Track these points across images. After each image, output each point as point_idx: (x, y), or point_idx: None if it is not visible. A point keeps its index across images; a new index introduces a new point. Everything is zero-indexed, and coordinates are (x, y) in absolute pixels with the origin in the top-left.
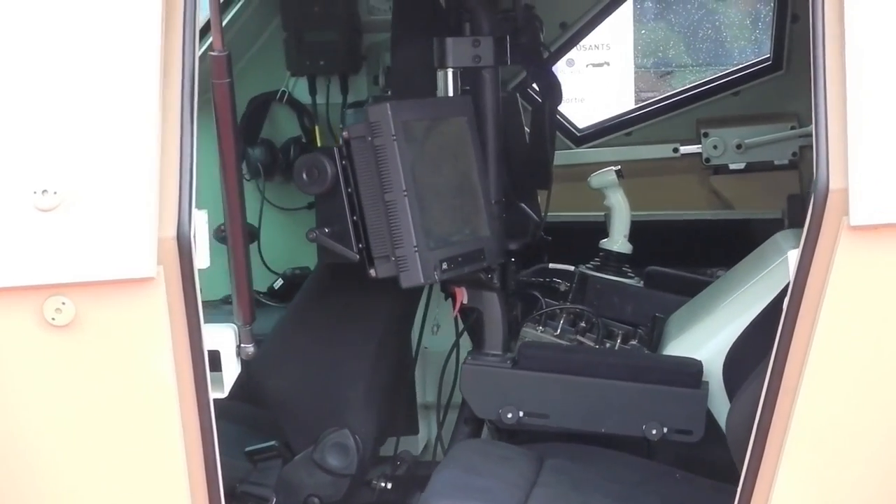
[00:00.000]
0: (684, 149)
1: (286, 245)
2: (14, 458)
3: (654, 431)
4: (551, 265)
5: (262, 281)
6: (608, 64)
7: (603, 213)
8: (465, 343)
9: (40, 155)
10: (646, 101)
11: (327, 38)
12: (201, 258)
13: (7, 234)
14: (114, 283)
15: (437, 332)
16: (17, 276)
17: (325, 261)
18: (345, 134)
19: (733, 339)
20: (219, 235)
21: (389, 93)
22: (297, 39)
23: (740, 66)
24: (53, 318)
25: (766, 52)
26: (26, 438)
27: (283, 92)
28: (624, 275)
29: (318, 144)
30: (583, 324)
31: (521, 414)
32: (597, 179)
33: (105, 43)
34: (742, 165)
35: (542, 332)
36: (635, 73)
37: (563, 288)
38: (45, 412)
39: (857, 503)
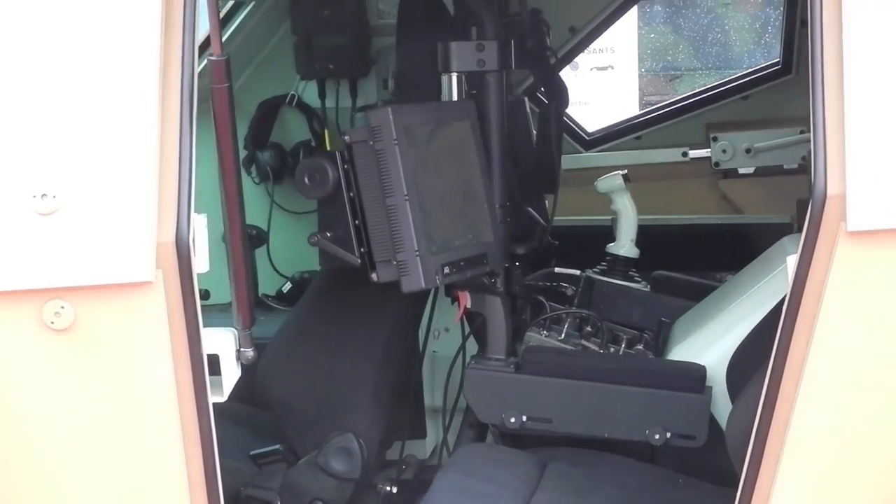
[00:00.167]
0: (693, 153)
1: (295, 248)
2: (13, 462)
3: (657, 436)
4: (557, 269)
5: (270, 284)
6: (612, 67)
7: (610, 218)
8: (473, 347)
9: (40, 159)
10: (649, 104)
11: (336, 42)
12: (201, 262)
13: (6, 238)
14: (113, 287)
15: (438, 336)
16: (17, 280)
17: (327, 265)
18: (347, 138)
19: (737, 344)
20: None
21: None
22: (307, 43)
23: (749, 70)
24: (52, 322)
25: (767, 56)
26: (26, 442)
27: (293, 95)
28: (631, 279)
29: (328, 148)
30: (588, 328)
31: (524, 418)
32: (603, 183)
33: (104, 47)
34: (751, 170)
35: (546, 336)
36: (639, 76)
37: (569, 292)
38: (44, 415)
39: None
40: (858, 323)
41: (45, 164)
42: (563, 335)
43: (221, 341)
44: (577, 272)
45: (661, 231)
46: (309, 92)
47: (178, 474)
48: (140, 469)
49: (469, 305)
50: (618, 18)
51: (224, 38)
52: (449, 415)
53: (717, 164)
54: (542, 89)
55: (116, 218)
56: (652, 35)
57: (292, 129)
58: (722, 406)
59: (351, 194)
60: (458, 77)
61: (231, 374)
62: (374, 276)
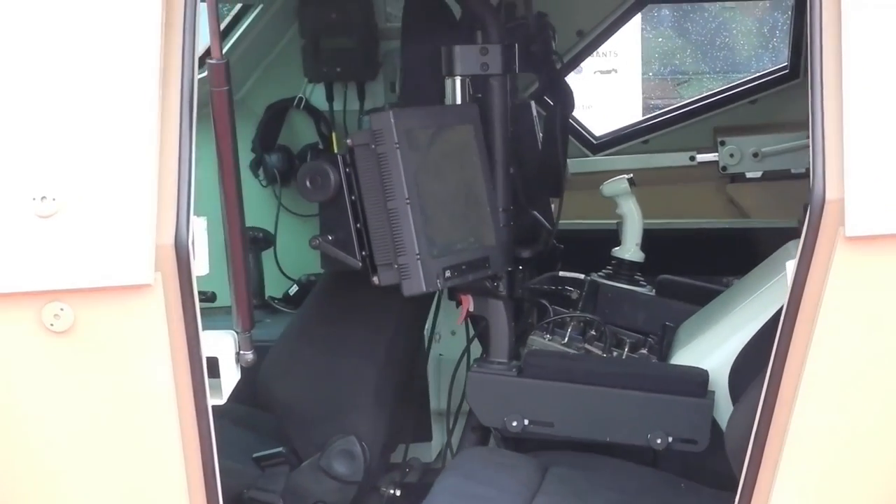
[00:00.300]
0: (701, 157)
1: (302, 251)
2: (13, 463)
3: (658, 440)
4: (561, 273)
5: (277, 287)
6: (616, 71)
7: (616, 221)
8: (479, 350)
9: (39, 162)
10: (654, 108)
11: (344, 45)
12: (200, 265)
13: (6, 240)
14: (112, 289)
15: (440, 339)
16: (16, 282)
17: (328, 268)
18: (349, 141)
19: (740, 348)
20: None
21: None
22: (315, 46)
23: (757, 74)
24: (52, 324)
25: (775, 60)
26: (25, 443)
27: (301, 98)
28: (636, 283)
29: (335, 151)
30: (593, 332)
31: (526, 422)
32: (609, 187)
33: (104, 50)
34: (759, 174)
35: (549, 340)
36: (643, 80)
37: (574, 296)
38: (43, 417)
39: None
40: (857, 327)
41: (46, 166)
42: (566, 339)
43: (221, 344)
44: (582, 276)
45: (667, 235)
46: (317, 95)
47: (178, 476)
48: (139, 471)
49: (472, 309)
50: (625, 22)
51: (232, 41)
52: (453, 418)
53: (724, 168)
54: (548, 93)
55: (116, 220)
56: (660, 39)
57: (300, 132)
58: (724, 410)
59: (352, 197)
60: (461, 81)
61: (230, 376)
62: (375, 279)
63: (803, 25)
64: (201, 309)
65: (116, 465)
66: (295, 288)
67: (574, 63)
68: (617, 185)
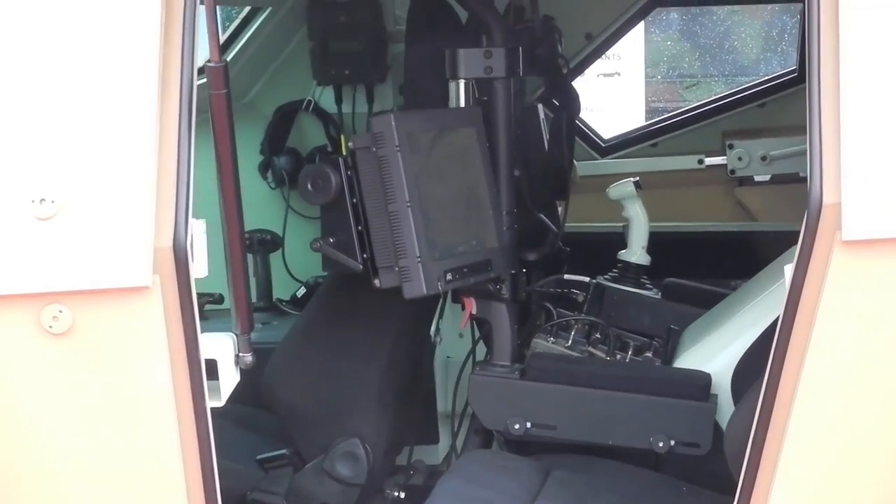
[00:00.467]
0: (709, 160)
1: (310, 253)
2: (11, 466)
3: (661, 444)
4: (567, 276)
5: (285, 289)
6: (619, 74)
7: (622, 224)
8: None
9: (39, 164)
10: (656, 111)
11: (353, 48)
12: (199, 268)
13: (5, 242)
14: (110, 291)
15: (440, 341)
16: (15, 284)
17: (329, 271)
18: (350, 144)
19: (743, 352)
20: None
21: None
22: (323, 49)
23: (765, 77)
24: (51, 326)
25: (783, 63)
26: (24, 445)
27: (310, 101)
28: (642, 286)
29: (344, 154)
30: (597, 335)
31: (528, 425)
32: (615, 191)
33: (104, 52)
34: (767, 177)
35: (553, 343)
36: (646, 83)
37: (580, 299)
38: (42, 419)
39: None
40: (854, 330)
41: (45, 168)
42: (569, 342)
43: (220, 346)
44: (587, 279)
45: (674, 238)
46: (325, 97)
47: (176, 478)
48: (138, 473)
49: (475, 311)
50: (634, 25)
51: (241, 44)
52: (458, 420)
53: (732, 171)
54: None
55: (114, 223)
56: (668, 42)
57: (309, 135)
58: (727, 414)
59: (354, 200)
60: (465, 84)
61: (229, 378)
62: (376, 281)
63: None
64: (209, 310)
65: (115, 467)
66: (302, 290)
67: (583, 66)
68: (623, 189)
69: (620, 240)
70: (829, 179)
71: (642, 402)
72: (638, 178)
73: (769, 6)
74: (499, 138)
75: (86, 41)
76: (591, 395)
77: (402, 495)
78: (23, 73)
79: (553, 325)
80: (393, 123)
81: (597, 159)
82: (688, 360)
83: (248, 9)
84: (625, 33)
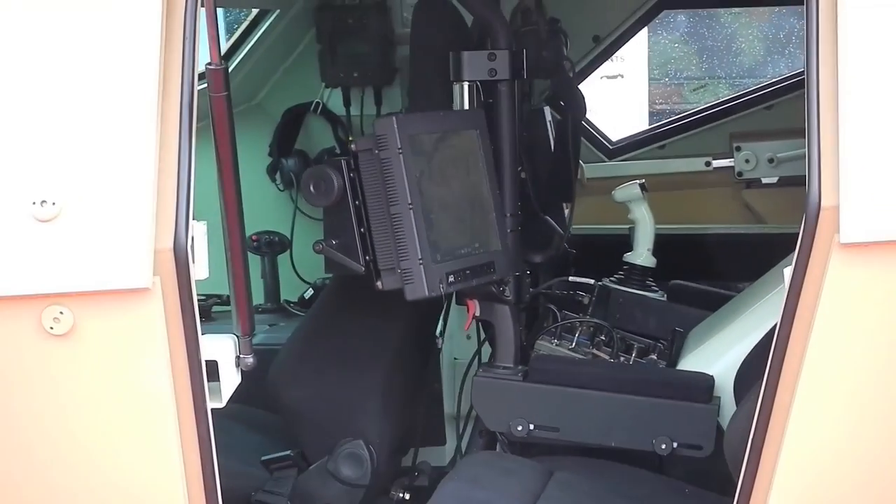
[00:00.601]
0: (717, 163)
1: (318, 255)
2: (11, 466)
3: (663, 446)
4: (571, 278)
5: (293, 290)
6: (622, 76)
7: (628, 227)
8: None
9: (39, 166)
10: (660, 113)
11: (361, 50)
12: (200, 269)
13: (6, 244)
14: (111, 293)
15: (442, 344)
16: (16, 285)
17: (332, 273)
18: (352, 146)
19: (745, 354)
20: (250, 246)
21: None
22: (332, 51)
23: (773, 79)
24: (52, 327)
25: (786, 66)
26: (24, 446)
27: (318, 103)
28: (647, 288)
29: None
30: (602, 337)
31: (531, 427)
32: (621, 193)
33: (104, 55)
34: (775, 179)
35: (556, 345)
36: (649, 85)
37: (586, 301)
38: (42, 420)
39: None
40: (852, 333)
41: (45, 170)
42: (573, 344)
43: (221, 348)
44: (591, 281)
45: (680, 240)
46: (334, 99)
47: (177, 479)
48: (138, 474)
49: (478, 313)
50: (642, 28)
51: (249, 46)
52: (464, 422)
53: (740, 173)
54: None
55: (115, 224)
56: (676, 45)
57: (317, 137)
58: (730, 417)
59: (356, 202)
60: (469, 86)
61: (230, 380)
62: (378, 283)
63: None
64: (217, 312)
65: (116, 468)
66: (310, 292)
67: (590, 69)
68: (629, 191)
69: (627, 242)
70: (827, 182)
71: (645, 404)
72: (644, 181)
73: (776, 8)
74: (503, 140)
75: (87, 43)
76: (594, 397)
77: (408, 496)
78: (24, 75)
79: (557, 326)
80: (395, 126)
81: (604, 161)
82: (691, 362)
83: (256, 11)
84: (632, 36)
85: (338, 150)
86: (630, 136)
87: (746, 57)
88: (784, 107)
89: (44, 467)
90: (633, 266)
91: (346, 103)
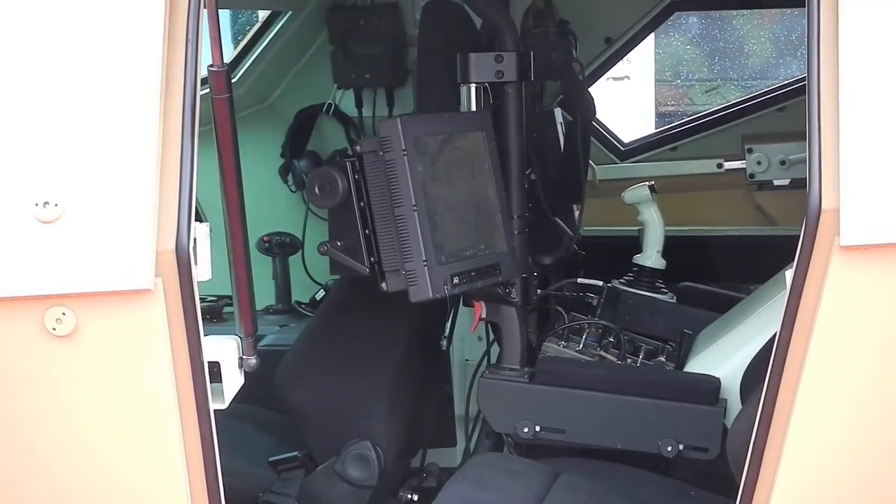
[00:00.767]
0: (728, 164)
1: None
2: (13, 467)
3: (669, 448)
4: (580, 280)
5: (304, 291)
6: (628, 78)
7: (638, 228)
8: None
9: (42, 167)
10: (667, 115)
11: (373, 52)
12: (202, 271)
13: (9, 245)
14: (113, 294)
15: (446, 346)
16: (19, 287)
17: (336, 274)
18: (357, 148)
19: (752, 356)
20: (262, 247)
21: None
22: (344, 53)
23: (785, 81)
24: (54, 329)
25: (798, 69)
26: (26, 447)
27: (330, 104)
28: (657, 290)
29: None
30: (611, 339)
31: (537, 428)
32: (630, 195)
33: (107, 57)
34: (787, 181)
35: (564, 346)
36: (655, 87)
37: (595, 303)
38: (45, 421)
39: None
40: (853, 336)
41: (48, 172)
42: (581, 345)
43: (224, 349)
44: (600, 283)
45: (691, 242)
46: (346, 101)
47: (180, 481)
48: (141, 475)
49: (484, 315)
50: (654, 29)
51: (261, 48)
52: (472, 423)
53: (752, 175)
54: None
55: (117, 226)
56: (689, 47)
57: (329, 138)
58: None
59: (361, 204)
60: (476, 88)
61: (233, 381)
62: (383, 285)
63: None
64: (228, 312)
65: (118, 470)
66: (321, 293)
67: (602, 70)
68: (638, 193)
69: (637, 243)
70: (828, 185)
71: (651, 406)
72: (653, 182)
73: (787, 10)
74: (510, 142)
75: (89, 45)
76: (600, 399)
77: (416, 498)
78: (26, 76)
79: (564, 328)
80: (399, 127)
81: (616, 163)
82: (698, 364)
83: (268, 13)
84: (644, 37)
85: (350, 152)
86: (642, 138)
87: (757, 59)
88: (796, 109)
89: (46, 468)
90: (642, 268)
91: (359, 104)
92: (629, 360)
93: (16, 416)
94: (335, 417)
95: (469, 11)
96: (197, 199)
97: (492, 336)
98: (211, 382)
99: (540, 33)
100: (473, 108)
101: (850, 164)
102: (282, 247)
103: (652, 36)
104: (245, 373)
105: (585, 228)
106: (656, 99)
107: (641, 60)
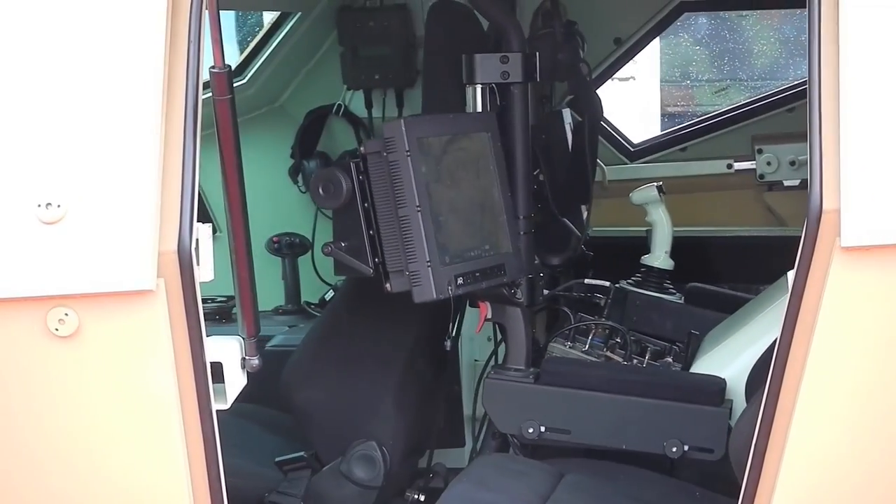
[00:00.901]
0: (738, 165)
1: None
2: (16, 467)
3: (674, 449)
4: (587, 280)
5: (314, 292)
6: (634, 78)
7: (646, 229)
8: None
9: (44, 168)
10: (672, 115)
11: (382, 53)
12: (205, 272)
13: (12, 246)
14: (115, 294)
15: (449, 347)
16: (22, 287)
17: (341, 275)
18: (362, 149)
19: (758, 357)
20: (271, 247)
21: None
22: (354, 54)
23: (795, 82)
24: (57, 329)
25: (799, 69)
26: (28, 447)
27: (340, 105)
28: (665, 291)
29: None
30: (617, 339)
31: (542, 429)
32: (638, 195)
33: (109, 59)
34: (797, 182)
35: (570, 347)
36: (661, 87)
37: (603, 303)
38: (47, 421)
39: None
40: (854, 336)
41: (50, 173)
42: (587, 346)
43: (226, 349)
44: (607, 283)
45: (702, 243)
46: (356, 102)
47: (182, 482)
48: (143, 476)
49: (489, 316)
50: (663, 30)
51: (271, 48)
52: (479, 423)
53: (762, 176)
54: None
55: (119, 227)
56: (698, 47)
57: (339, 139)
58: None
59: (366, 205)
60: (483, 89)
61: (235, 382)
62: (387, 286)
63: None
64: (237, 313)
65: (120, 470)
66: (331, 293)
67: (612, 70)
68: (646, 193)
69: (646, 244)
70: (829, 186)
71: (656, 406)
72: (661, 183)
73: (798, 11)
74: (516, 143)
75: (91, 47)
76: (605, 400)
77: (422, 498)
78: (29, 78)
79: (570, 329)
80: (403, 129)
81: (626, 164)
82: (704, 364)
83: (277, 14)
84: (653, 38)
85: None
86: (651, 139)
87: (766, 59)
88: (806, 109)
89: (48, 468)
90: (650, 268)
91: (368, 105)
92: (635, 361)
93: (18, 417)
94: (341, 418)
95: (474, 12)
96: (207, 201)
97: (500, 336)
98: (213, 383)
99: (546, 34)
100: (479, 108)
101: (850, 164)
102: (291, 247)
103: (657, 38)
104: (250, 373)
105: (594, 229)
106: (662, 99)
107: (647, 61)
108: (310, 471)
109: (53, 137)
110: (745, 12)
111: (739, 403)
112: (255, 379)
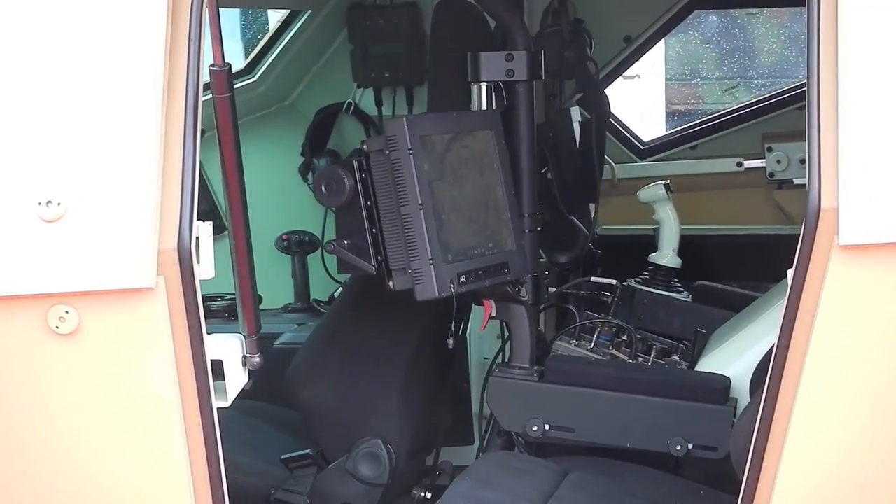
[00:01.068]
0: (748, 163)
1: None
2: (16, 466)
3: (678, 447)
4: (593, 279)
5: (323, 290)
6: (639, 77)
7: (654, 227)
8: None
9: (45, 166)
10: (676, 114)
11: (392, 51)
12: (205, 269)
13: (12, 244)
14: (116, 292)
15: (452, 346)
16: (22, 285)
17: (344, 273)
18: (364, 147)
19: (762, 356)
20: (281, 245)
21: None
22: (364, 52)
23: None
24: (57, 327)
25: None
26: (29, 445)
27: (350, 103)
28: (672, 289)
29: None
30: (623, 337)
31: (546, 427)
32: (645, 193)
33: (110, 57)
34: (806, 180)
35: (575, 345)
36: (666, 86)
37: (610, 301)
38: (48, 419)
39: None
40: (853, 335)
41: (51, 171)
42: (592, 344)
43: (227, 347)
44: (614, 281)
45: (711, 241)
46: (366, 100)
47: (183, 479)
48: (144, 473)
49: (494, 314)
50: (673, 28)
51: (281, 47)
52: (487, 421)
53: (771, 174)
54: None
55: (119, 225)
56: (708, 45)
57: (349, 137)
58: None
59: (368, 203)
60: (488, 87)
61: (236, 379)
62: (390, 284)
63: None
64: None
65: (121, 468)
66: (340, 291)
67: (621, 68)
68: (653, 191)
69: (653, 242)
70: (827, 184)
71: (660, 405)
72: (668, 181)
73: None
74: (521, 141)
75: (91, 45)
76: (609, 398)
77: (429, 496)
78: (30, 76)
79: (576, 327)
80: (405, 127)
81: (636, 162)
82: (710, 363)
83: (287, 12)
84: (663, 36)
85: None
86: (661, 137)
87: (776, 57)
88: None
89: (49, 466)
90: (657, 266)
91: (378, 103)
92: (641, 359)
93: (18, 414)
94: (346, 415)
95: (480, 10)
96: (217, 201)
97: (507, 334)
98: (214, 381)
99: (553, 32)
100: (484, 106)
101: (849, 163)
102: (301, 245)
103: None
104: (257, 371)
105: (602, 227)
106: (671, 97)
107: (652, 59)
108: (316, 468)
109: (54, 135)
110: (754, 10)
111: (744, 401)
112: (262, 376)
